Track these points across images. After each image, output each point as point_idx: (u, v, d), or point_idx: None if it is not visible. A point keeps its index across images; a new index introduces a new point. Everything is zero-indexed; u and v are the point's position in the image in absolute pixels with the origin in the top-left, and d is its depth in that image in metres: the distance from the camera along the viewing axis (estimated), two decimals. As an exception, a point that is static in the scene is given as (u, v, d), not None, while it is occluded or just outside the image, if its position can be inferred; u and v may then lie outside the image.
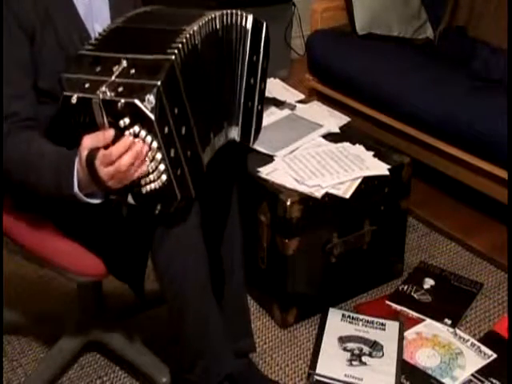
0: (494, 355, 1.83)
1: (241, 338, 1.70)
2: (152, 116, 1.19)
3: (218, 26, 1.43)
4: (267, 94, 2.21)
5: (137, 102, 1.18)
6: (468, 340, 1.88)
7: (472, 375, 1.77)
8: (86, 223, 1.50)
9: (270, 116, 2.14)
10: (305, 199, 1.82)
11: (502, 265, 2.19)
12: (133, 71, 1.24)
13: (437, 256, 2.28)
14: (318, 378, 1.77)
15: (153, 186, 1.27)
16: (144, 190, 1.28)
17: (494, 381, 1.75)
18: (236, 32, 1.49)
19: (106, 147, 1.22)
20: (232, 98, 1.53)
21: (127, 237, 1.48)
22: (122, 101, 1.19)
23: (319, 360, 1.80)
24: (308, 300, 1.98)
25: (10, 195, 1.53)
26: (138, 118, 1.20)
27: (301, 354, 1.88)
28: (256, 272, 1.97)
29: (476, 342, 1.87)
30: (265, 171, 1.90)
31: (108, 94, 1.20)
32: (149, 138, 1.22)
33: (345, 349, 1.84)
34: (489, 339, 1.89)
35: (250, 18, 1.50)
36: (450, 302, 2.02)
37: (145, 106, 1.18)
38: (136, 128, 1.21)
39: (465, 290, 2.08)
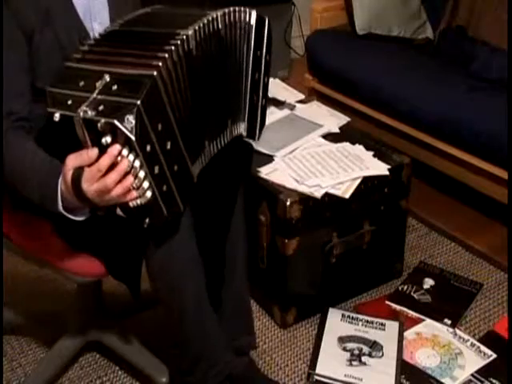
0: (494, 355, 1.83)
1: (242, 336, 1.70)
2: (132, 136, 1.18)
3: (220, 26, 1.43)
4: (267, 94, 2.23)
5: (116, 122, 1.17)
6: (468, 340, 1.88)
7: (472, 375, 1.77)
8: (81, 224, 1.50)
9: (270, 116, 2.14)
10: (304, 199, 1.82)
11: (501, 265, 2.19)
12: (115, 87, 1.22)
13: (436, 256, 2.28)
14: (318, 377, 1.77)
15: (138, 201, 1.26)
16: (131, 205, 1.27)
17: (494, 381, 1.75)
18: (240, 29, 1.49)
19: (91, 165, 1.22)
20: (237, 95, 1.54)
21: (124, 237, 1.47)
22: (102, 121, 1.18)
23: (319, 360, 1.80)
24: (308, 300, 1.98)
25: (8, 194, 1.53)
26: (119, 137, 1.19)
27: (301, 354, 1.88)
28: (256, 272, 1.97)
29: (476, 342, 1.87)
30: (265, 171, 1.90)
31: (89, 112, 1.19)
32: (131, 157, 1.21)
33: (344, 349, 1.84)
34: (488, 339, 1.89)
35: (254, 13, 1.51)
36: (450, 302, 2.02)
37: (124, 127, 1.17)
38: (118, 146, 1.20)
39: (464, 290, 2.08)
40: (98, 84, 1.23)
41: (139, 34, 1.38)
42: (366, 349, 1.84)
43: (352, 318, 1.95)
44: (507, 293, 2.08)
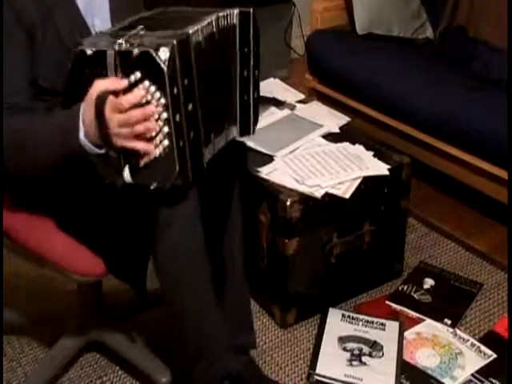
0: (494, 355, 1.83)
1: (242, 334, 1.70)
2: (164, 67, 1.21)
3: (214, 30, 1.43)
4: (267, 94, 2.23)
5: (151, 51, 1.21)
6: (468, 340, 1.88)
7: (472, 375, 1.77)
8: (87, 221, 1.50)
9: (270, 116, 2.14)
10: (305, 199, 1.82)
11: (501, 265, 2.19)
12: (149, 33, 1.28)
13: (437, 256, 2.28)
14: (318, 377, 1.77)
15: (153, 154, 1.27)
16: (142, 163, 1.27)
17: (494, 381, 1.75)
18: (228, 31, 1.48)
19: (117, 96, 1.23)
20: (230, 98, 1.53)
21: (128, 236, 1.48)
22: (136, 50, 1.21)
23: (319, 360, 1.80)
24: (308, 300, 1.98)
25: (10, 190, 1.53)
26: (150, 70, 1.22)
27: (301, 354, 1.88)
28: (256, 272, 1.97)
29: (476, 342, 1.87)
30: (265, 171, 1.90)
31: (124, 45, 1.23)
32: (157, 94, 1.23)
33: (345, 349, 1.84)
34: (488, 339, 1.89)
35: (235, 12, 1.49)
36: (450, 302, 2.02)
37: (158, 57, 1.21)
38: (146, 83, 1.22)
39: (464, 290, 2.08)
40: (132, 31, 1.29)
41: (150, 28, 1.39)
42: (366, 349, 1.84)
43: (352, 317, 1.95)
44: (507, 293, 2.08)
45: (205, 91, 1.38)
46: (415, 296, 2.05)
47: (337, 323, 1.93)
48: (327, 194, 1.84)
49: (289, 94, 2.34)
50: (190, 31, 1.30)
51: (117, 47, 1.23)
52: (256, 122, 1.62)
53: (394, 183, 1.99)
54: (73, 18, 1.45)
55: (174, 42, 1.23)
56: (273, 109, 2.19)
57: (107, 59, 1.23)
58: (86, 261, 1.51)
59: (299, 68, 3.27)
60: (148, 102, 1.23)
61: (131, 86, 1.23)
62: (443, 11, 2.81)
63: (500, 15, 2.53)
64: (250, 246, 1.88)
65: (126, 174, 1.29)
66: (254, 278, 1.96)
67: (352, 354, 1.82)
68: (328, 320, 1.94)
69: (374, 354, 1.82)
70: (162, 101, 1.23)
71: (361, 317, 1.96)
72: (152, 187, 1.30)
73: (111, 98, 1.22)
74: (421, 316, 1.97)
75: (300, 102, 2.28)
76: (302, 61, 3.20)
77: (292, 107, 2.22)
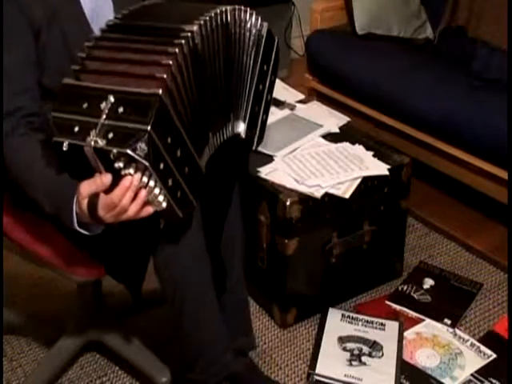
0: (494, 355, 1.83)
1: (241, 336, 1.70)
2: (146, 162, 1.18)
3: (229, 19, 1.42)
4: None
5: (129, 152, 1.16)
6: (468, 340, 1.88)
7: (472, 375, 1.77)
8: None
9: (270, 116, 2.12)
10: (304, 199, 1.83)
11: (501, 265, 2.20)
12: (121, 110, 1.20)
13: (436, 256, 2.28)
14: (318, 378, 1.77)
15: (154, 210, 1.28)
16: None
17: (494, 381, 1.75)
18: (250, 32, 1.49)
19: (106, 191, 1.22)
20: (240, 95, 1.53)
21: (128, 240, 1.47)
22: (115, 151, 1.17)
23: (319, 360, 1.80)
24: (308, 300, 1.98)
25: (9, 192, 1.53)
26: (132, 163, 1.19)
27: (300, 354, 1.88)
28: (256, 272, 1.97)
29: (476, 342, 1.87)
30: (264, 171, 1.90)
31: (99, 142, 1.18)
32: (145, 179, 1.21)
33: (344, 349, 1.84)
34: (488, 339, 1.89)
35: (265, 25, 1.52)
36: (450, 302, 2.02)
37: (138, 155, 1.17)
38: (131, 170, 1.19)
39: (464, 290, 2.08)
40: (103, 106, 1.21)
41: (142, 29, 1.36)
42: (365, 349, 1.84)
43: (352, 318, 1.95)
44: (507, 293, 2.08)
45: (199, 97, 1.35)
46: (415, 296, 2.05)
47: (337, 323, 1.94)
48: (327, 194, 1.84)
49: (289, 94, 2.34)
50: (170, 62, 1.23)
51: (92, 143, 1.18)
52: (260, 140, 1.63)
53: (393, 183, 1.99)
54: (79, 23, 1.45)
55: (148, 128, 1.17)
56: (273, 109, 2.18)
57: (86, 153, 1.20)
58: (83, 262, 1.51)
59: (299, 68, 3.28)
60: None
61: (117, 171, 1.20)
62: (443, 11, 2.81)
63: (500, 15, 2.53)
64: (249, 246, 1.88)
65: None
66: (253, 278, 1.97)
67: (352, 354, 1.82)
68: (328, 320, 1.94)
69: (373, 353, 1.82)
70: (151, 183, 1.21)
71: (360, 317, 1.96)
72: (161, 226, 1.35)
73: (102, 199, 1.21)
74: (421, 316, 1.97)
75: (300, 102, 2.28)
76: (301, 61, 3.21)
77: (292, 107, 2.22)
